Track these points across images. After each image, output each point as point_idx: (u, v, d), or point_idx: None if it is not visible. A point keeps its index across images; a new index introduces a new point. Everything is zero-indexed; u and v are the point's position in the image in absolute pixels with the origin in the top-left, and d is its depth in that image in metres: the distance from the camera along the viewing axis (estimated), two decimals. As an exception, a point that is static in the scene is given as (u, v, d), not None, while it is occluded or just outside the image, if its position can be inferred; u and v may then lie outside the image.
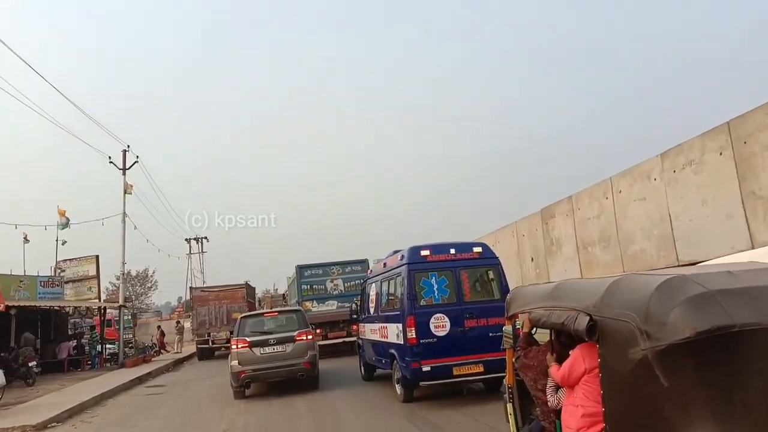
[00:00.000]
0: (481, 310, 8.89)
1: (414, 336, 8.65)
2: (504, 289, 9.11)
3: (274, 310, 15.03)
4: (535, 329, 4.62)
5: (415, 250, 9.21)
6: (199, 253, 43.62)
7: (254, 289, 29.60)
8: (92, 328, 23.26)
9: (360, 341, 12.64)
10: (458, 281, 9.04)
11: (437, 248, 9.25)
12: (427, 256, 9.13)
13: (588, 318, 2.78)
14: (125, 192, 21.24)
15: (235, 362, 10.95)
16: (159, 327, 29.79)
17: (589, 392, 3.16)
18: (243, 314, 13.45)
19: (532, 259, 14.51)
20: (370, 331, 11.33)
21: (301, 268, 17.98)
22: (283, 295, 31.51)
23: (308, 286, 17.71)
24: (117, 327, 25.19)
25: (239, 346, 10.99)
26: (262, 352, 10.98)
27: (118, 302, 23.07)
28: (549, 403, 3.74)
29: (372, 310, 11.32)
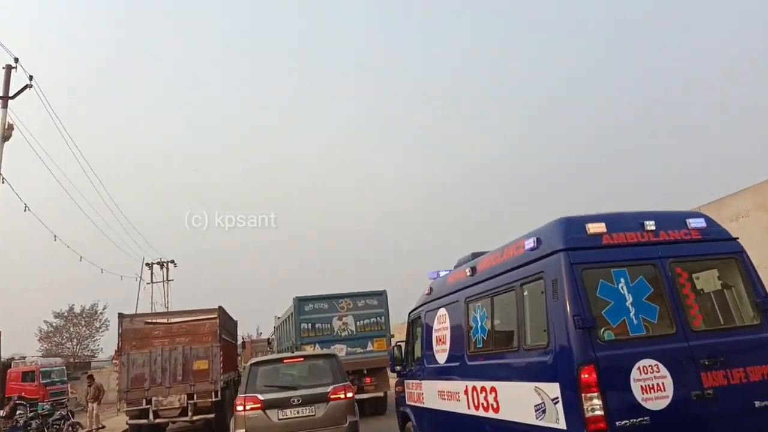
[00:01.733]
0: (733, 350, 4.11)
1: (600, 411, 3.78)
2: (765, 300, 4.36)
3: (297, 354, 10.80)
4: None
5: (574, 225, 4.41)
6: (163, 281, 33.57)
7: (236, 323, 18.32)
8: None
9: (407, 410, 7.64)
10: (672, 287, 4.26)
11: (618, 221, 4.47)
12: (600, 234, 4.34)
13: None
14: (3, 137, 13.92)
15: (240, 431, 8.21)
16: (18, 397, 17.63)
17: None
18: (253, 360, 9.50)
19: None
20: (439, 395, 6.41)
21: (300, 301, 14.13)
22: (268, 339, 26.50)
23: (309, 325, 13.78)
24: (43, 381, 18.84)
25: (248, 408, 8.23)
26: (281, 416, 8.21)
27: None
28: None
29: (442, 357, 6.42)
